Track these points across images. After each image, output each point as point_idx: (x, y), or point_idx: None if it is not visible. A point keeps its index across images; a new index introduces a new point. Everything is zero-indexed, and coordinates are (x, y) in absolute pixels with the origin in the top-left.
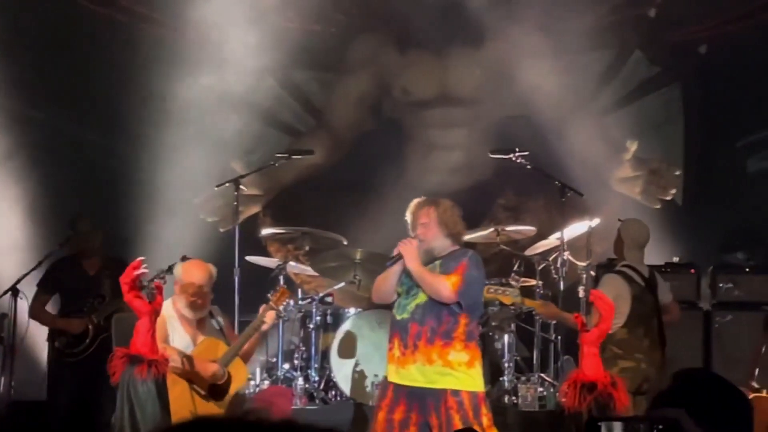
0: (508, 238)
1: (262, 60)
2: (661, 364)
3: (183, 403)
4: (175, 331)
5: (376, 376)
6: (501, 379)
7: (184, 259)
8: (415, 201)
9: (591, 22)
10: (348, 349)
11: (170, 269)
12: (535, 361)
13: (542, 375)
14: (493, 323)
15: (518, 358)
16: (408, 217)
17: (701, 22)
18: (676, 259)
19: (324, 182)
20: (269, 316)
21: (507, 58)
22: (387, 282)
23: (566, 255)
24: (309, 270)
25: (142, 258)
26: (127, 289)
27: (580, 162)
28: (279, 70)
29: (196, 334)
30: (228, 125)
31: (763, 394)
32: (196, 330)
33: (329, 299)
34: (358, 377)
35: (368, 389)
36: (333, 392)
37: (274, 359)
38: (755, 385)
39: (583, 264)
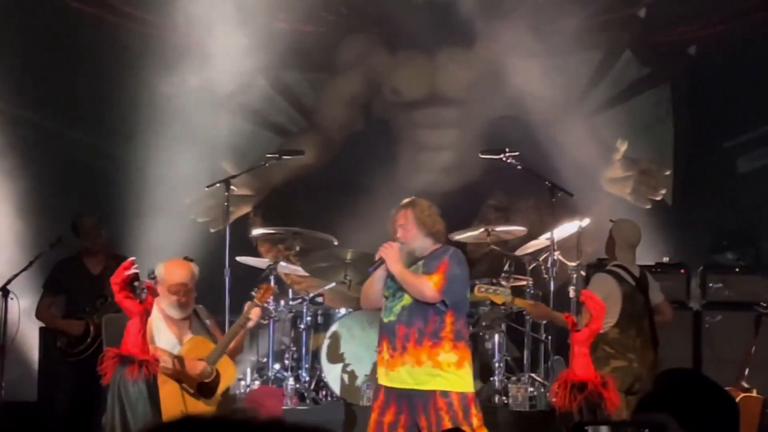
0: (498, 238)
1: (252, 60)
2: (653, 364)
3: (173, 402)
4: (161, 331)
5: (366, 376)
6: (491, 379)
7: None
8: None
9: (581, 23)
10: (336, 353)
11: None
12: (525, 361)
13: (533, 375)
14: (483, 323)
15: (509, 358)
16: (390, 229)
17: (691, 22)
18: (666, 259)
19: (314, 183)
20: (254, 313)
21: (497, 58)
22: (373, 288)
23: (556, 255)
24: (299, 270)
25: (132, 258)
26: (118, 289)
27: (570, 162)
28: (269, 70)
29: (181, 333)
30: (218, 125)
31: (753, 394)
32: (181, 330)
33: (320, 299)
34: (349, 377)
35: (359, 389)
36: (324, 392)
37: (265, 359)
38: (745, 385)
39: (574, 264)
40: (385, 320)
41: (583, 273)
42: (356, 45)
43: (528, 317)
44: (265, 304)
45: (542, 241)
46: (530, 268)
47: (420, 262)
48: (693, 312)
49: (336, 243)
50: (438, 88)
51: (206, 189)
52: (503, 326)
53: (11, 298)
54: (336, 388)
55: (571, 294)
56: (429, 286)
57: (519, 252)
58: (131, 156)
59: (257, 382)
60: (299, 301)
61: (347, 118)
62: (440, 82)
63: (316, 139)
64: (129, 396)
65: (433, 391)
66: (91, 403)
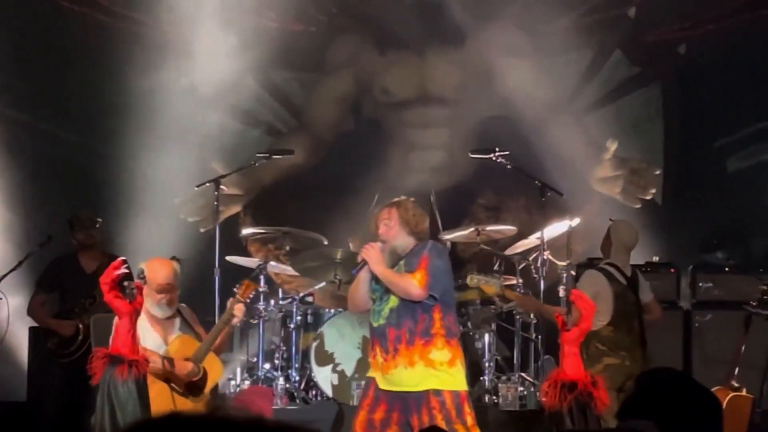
0: (489, 237)
1: (242, 60)
2: (643, 362)
3: (162, 401)
4: (146, 332)
5: (356, 375)
6: (481, 378)
7: (173, 259)
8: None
9: (571, 23)
10: (326, 353)
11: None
12: (515, 361)
13: (523, 374)
14: (473, 323)
15: (499, 357)
16: (372, 228)
17: (681, 22)
18: (656, 259)
19: (304, 182)
20: (238, 309)
21: (487, 58)
22: (358, 291)
23: (546, 254)
24: (289, 270)
25: (122, 258)
26: (108, 289)
27: (560, 162)
28: (259, 69)
29: (166, 333)
30: (208, 125)
31: (743, 393)
32: (166, 329)
33: (310, 299)
34: (339, 377)
35: (349, 389)
36: (314, 392)
37: (255, 359)
38: (735, 384)
39: (563, 263)
40: (375, 324)
41: (573, 272)
42: (346, 45)
43: (518, 316)
44: (248, 300)
45: (532, 240)
46: (520, 267)
47: (402, 262)
48: (683, 311)
49: (326, 242)
50: (428, 87)
51: (196, 188)
52: (493, 326)
53: (0, 298)
54: (326, 387)
55: (561, 293)
56: (413, 284)
57: (509, 251)
58: (121, 155)
59: (247, 382)
60: (289, 300)
61: (337, 118)
62: (430, 81)
63: (306, 138)
64: (119, 396)
65: (427, 391)
66: (81, 404)
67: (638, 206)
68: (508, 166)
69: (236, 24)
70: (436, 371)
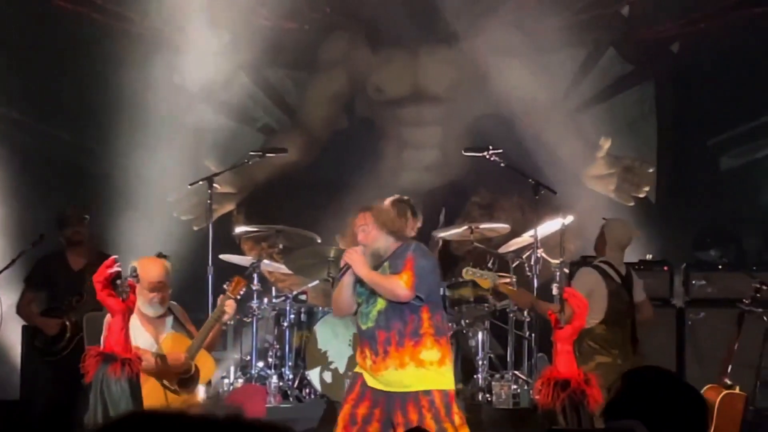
0: (482, 235)
1: (235, 58)
2: (634, 361)
3: (155, 399)
4: (137, 330)
5: (349, 373)
6: (475, 376)
7: (159, 255)
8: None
9: (564, 20)
10: (319, 351)
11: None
12: (509, 359)
13: (516, 372)
14: (466, 321)
15: (492, 355)
16: (349, 234)
17: (674, 20)
18: (649, 257)
19: (298, 180)
20: (229, 306)
21: (480, 56)
22: (342, 295)
23: (540, 252)
24: (283, 268)
25: (115, 256)
26: (101, 287)
27: (553, 160)
28: (252, 67)
29: (157, 332)
30: (201, 123)
31: (736, 391)
32: (157, 328)
33: (303, 297)
34: (332, 375)
35: (342, 387)
36: (307, 390)
37: (248, 357)
38: (728, 381)
39: (557, 261)
40: (364, 327)
41: (566, 270)
42: (340, 43)
43: (511, 314)
44: (238, 296)
45: (526, 238)
46: (514, 265)
47: (385, 263)
48: (676, 309)
49: (319, 241)
50: (421, 85)
51: (189, 187)
52: (486, 324)
53: None
54: (319, 385)
55: (554, 291)
56: (400, 285)
57: (502, 249)
58: (114, 153)
59: (240, 380)
60: (282, 298)
61: (331, 116)
62: (424, 79)
63: (299, 136)
64: (112, 394)
65: (416, 391)
66: (70, 402)
67: (631, 204)
68: (502, 165)
69: (229, 22)
70: (426, 371)
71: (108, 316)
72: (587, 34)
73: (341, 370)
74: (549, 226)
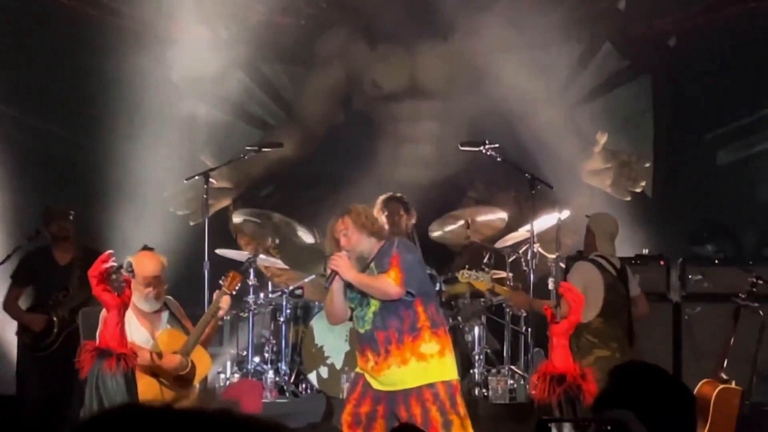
0: (479, 231)
1: (231, 53)
2: (631, 356)
3: (151, 395)
4: (133, 326)
5: (346, 368)
6: (471, 371)
7: (145, 248)
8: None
9: (561, 15)
10: (315, 346)
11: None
12: (505, 354)
13: (513, 367)
14: (463, 316)
15: (489, 350)
16: (330, 240)
17: (670, 14)
18: (645, 251)
19: (294, 175)
20: (224, 301)
21: (477, 51)
22: (334, 302)
23: (536, 247)
24: (279, 263)
25: (110, 251)
26: (96, 282)
27: (550, 154)
28: (248, 63)
29: (153, 327)
30: (197, 118)
31: (732, 386)
32: (153, 323)
33: (299, 292)
34: (328, 370)
35: (338, 382)
36: (303, 385)
37: (245, 352)
38: (724, 376)
39: (553, 256)
40: (361, 330)
41: (562, 265)
42: (336, 38)
43: (507, 309)
44: (234, 292)
45: (522, 233)
46: (510, 260)
47: (372, 264)
48: (673, 304)
49: (313, 240)
50: (418, 81)
51: (185, 181)
52: (483, 319)
53: None
54: (315, 381)
55: (551, 286)
56: (390, 284)
57: (499, 244)
58: (109, 148)
59: (237, 376)
60: (279, 293)
61: (327, 111)
62: (420, 75)
63: (295, 132)
64: (107, 389)
65: (419, 386)
66: (61, 397)
67: (628, 199)
68: (498, 159)
69: (225, 17)
70: (428, 363)
71: (104, 311)
72: (584, 30)
73: (338, 366)
74: (545, 221)
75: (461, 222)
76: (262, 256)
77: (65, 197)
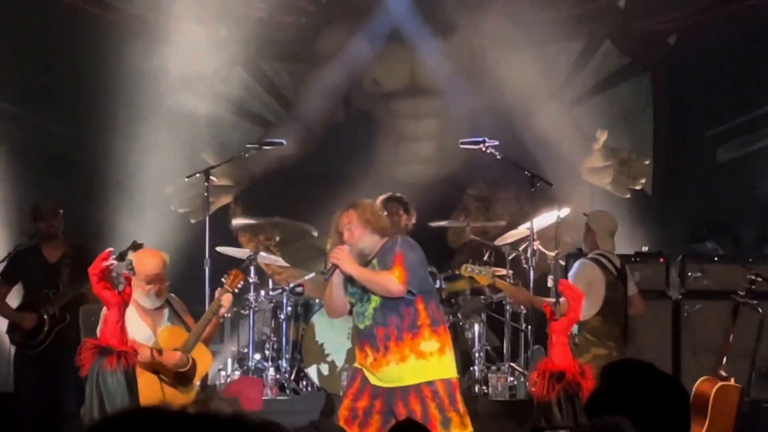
0: (479, 228)
1: (232, 50)
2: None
3: (152, 392)
4: (134, 323)
5: (346, 366)
6: (471, 368)
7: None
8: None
9: (561, 13)
10: (316, 343)
11: (122, 256)
12: (505, 351)
13: (512, 364)
14: (463, 313)
15: (489, 347)
16: (333, 233)
17: (670, 12)
18: (645, 249)
19: (295, 173)
20: (225, 299)
21: (477, 49)
22: (333, 296)
23: (536, 245)
24: (280, 260)
25: (111, 249)
26: (96, 280)
27: (550, 152)
28: (249, 61)
29: (155, 324)
30: (198, 116)
31: (731, 383)
32: (155, 320)
33: (300, 290)
34: (329, 367)
35: (338, 379)
36: (304, 382)
37: (245, 350)
38: (723, 373)
39: (553, 254)
40: (361, 326)
41: (562, 262)
42: (336, 36)
43: (508, 306)
44: (236, 290)
45: (522, 230)
46: (510, 258)
47: (374, 261)
48: (672, 301)
49: (316, 233)
50: (418, 78)
51: (186, 179)
52: (483, 316)
53: None
54: (316, 378)
55: (550, 283)
56: (393, 281)
57: (499, 242)
58: (110, 146)
59: (237, 373)
60: (279, 291)
61: (327, 109)
62: (420, 72)
63: (296, 129)
64: (107, 387)
65: (417, 383)
66: (56, 394)
67: (628, 196)
68: (498, 157)
69: (226, 15)
70: (427, 361)
71: (104, 309)
72: (583, 27)
73: (338, 363)
74: (545, 219)
75: (461, 219)
76: (262, 253)
77: (65, 195)
